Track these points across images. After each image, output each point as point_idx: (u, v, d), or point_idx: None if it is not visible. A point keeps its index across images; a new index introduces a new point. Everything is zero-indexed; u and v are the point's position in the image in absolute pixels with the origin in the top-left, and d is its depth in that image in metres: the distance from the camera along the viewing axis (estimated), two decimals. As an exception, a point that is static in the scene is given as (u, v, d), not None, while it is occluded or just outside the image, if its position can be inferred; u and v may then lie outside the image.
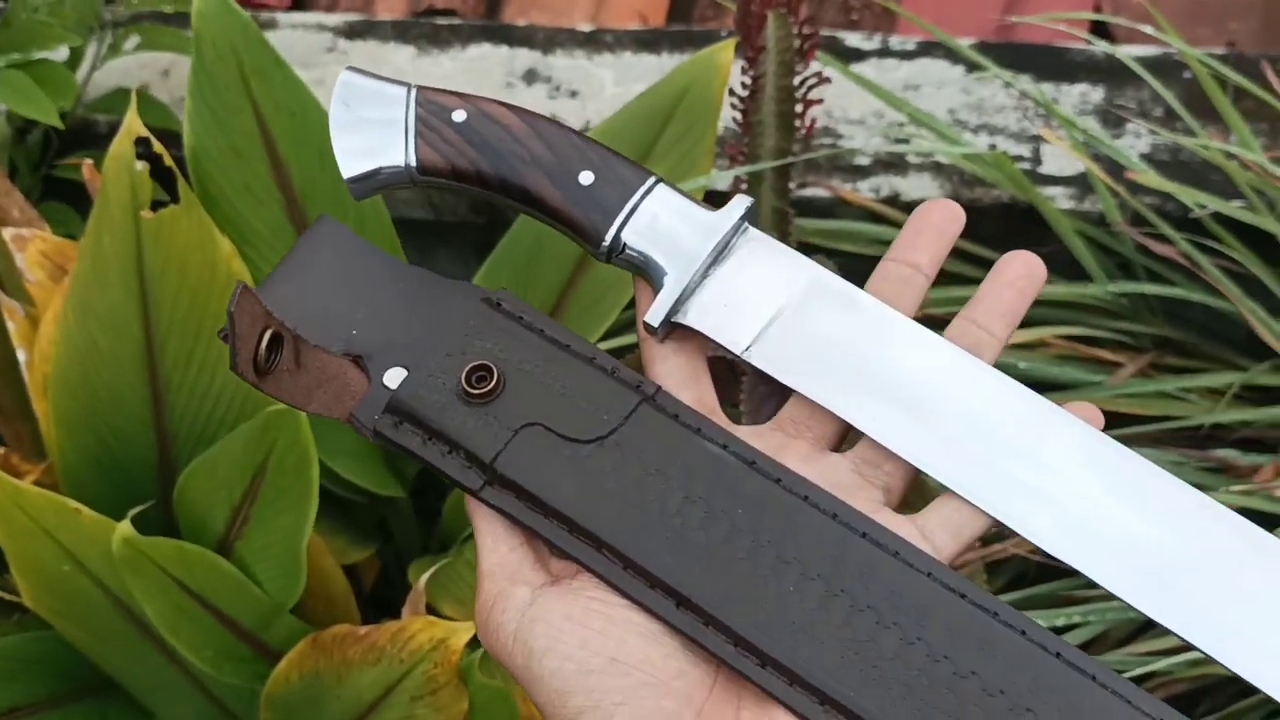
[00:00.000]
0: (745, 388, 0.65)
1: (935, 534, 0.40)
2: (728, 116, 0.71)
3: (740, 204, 0.42)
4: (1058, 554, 0.39)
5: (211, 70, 0.69)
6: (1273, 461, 0.77)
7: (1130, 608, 0.39)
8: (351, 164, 0.43)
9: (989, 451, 0.40)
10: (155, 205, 0.68)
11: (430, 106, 0.42)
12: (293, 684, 0.70)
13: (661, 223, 0.42)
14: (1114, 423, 0.41)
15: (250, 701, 0.73)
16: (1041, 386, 0.46)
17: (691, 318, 0.42)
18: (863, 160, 0.89)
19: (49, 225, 0.78)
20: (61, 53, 0.89)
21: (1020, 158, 0.88)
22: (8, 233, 0.73)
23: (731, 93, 0.64)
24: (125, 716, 0.76)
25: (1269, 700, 0.78)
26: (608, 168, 0.42)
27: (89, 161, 0.71)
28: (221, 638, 0.71)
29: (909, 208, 0.87)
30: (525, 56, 0.97)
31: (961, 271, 0.87)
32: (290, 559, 0.69)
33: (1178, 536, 0.40)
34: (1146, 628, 0.78)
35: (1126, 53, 0.90)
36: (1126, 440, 0.44)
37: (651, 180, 0.42)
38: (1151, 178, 0.77)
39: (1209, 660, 0.39)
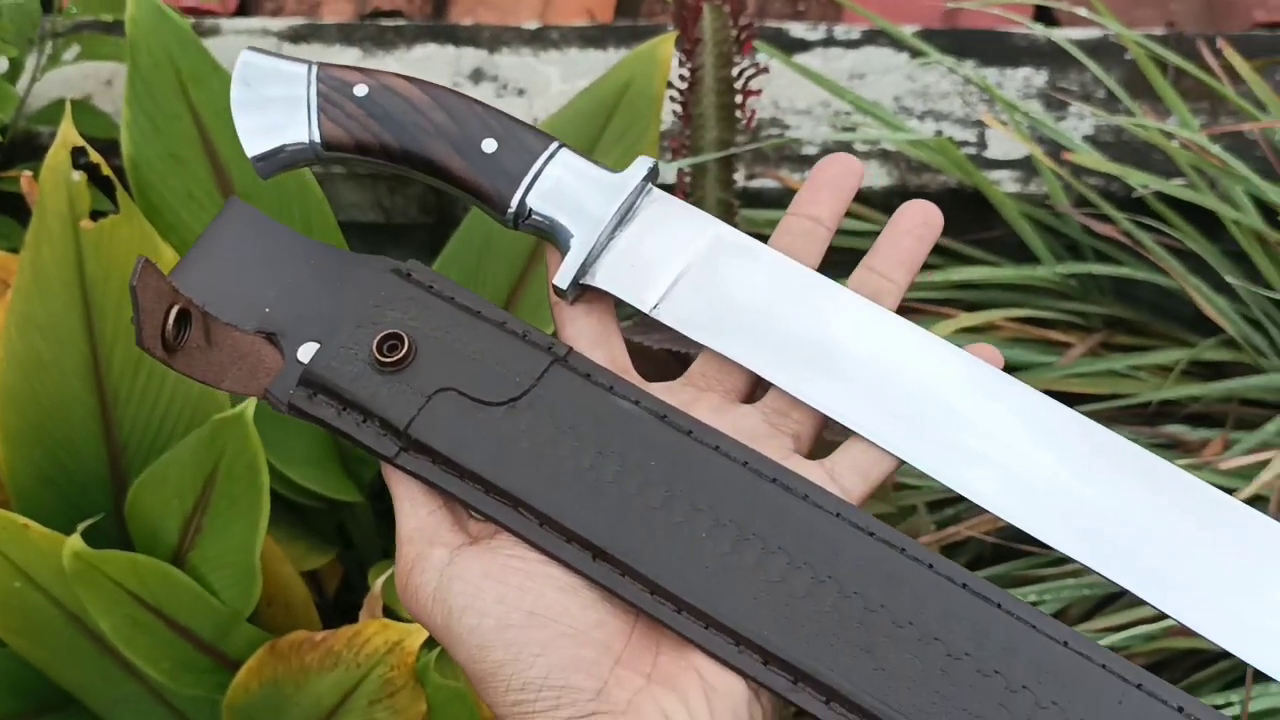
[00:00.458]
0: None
1: (844, 476, 0.41)
2: (672, 110, 0.72)
3: (643, 164, 0.43)
4: (960, 489, 0.40)
5: (148, 78, 0.69)
6: (1220, 436, 0.78)
7: (1052, 548, 0.39)
8: (255, 142, 0.43)
9: (893, 394, 0.41)
10: (96, 215, 0.67)
11: (331, 82, 0.43)
12: (253, 693, 0.70)
13: (565, 186, 0.42)
14: (1065, 402, 0.42)
15: (211, 712, 0.73)
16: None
17: (600, 279, 0.43)
18: (810, 150, 0.90)
19: (-9, 239, 0.78)
20: (0, 64, 0.88)
21: (966, 143, 0.89)
22: (-52, 248, 0.72)
23: (671, 86, 0.65)
24: (85, 732, 0.75)
25: (1226, 672, 0.79)
26: (510, 135, 0.42)
27: (27, 173, 0.71)
28: (179, 649, 0.71)
29: (857, 197, 0.87)
30: (471, 56, 0.97)
31: (911, 257, 0.87)
32: (245, 567, 0.68)
33: (1066, 450, 0.41)
34: (1105, 603, 0.79)
35: (1067, 36, 0.91)
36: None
37: (554, 145, 0.43)
38: (1089, 158, 0.78)
39: (1147, 605, 0.39)
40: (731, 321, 0.42)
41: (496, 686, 0.38)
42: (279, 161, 0.43)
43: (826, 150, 0.89)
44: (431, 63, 0.97)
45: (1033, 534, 0.40)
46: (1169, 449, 0.81)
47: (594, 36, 0.97)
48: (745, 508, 0.39)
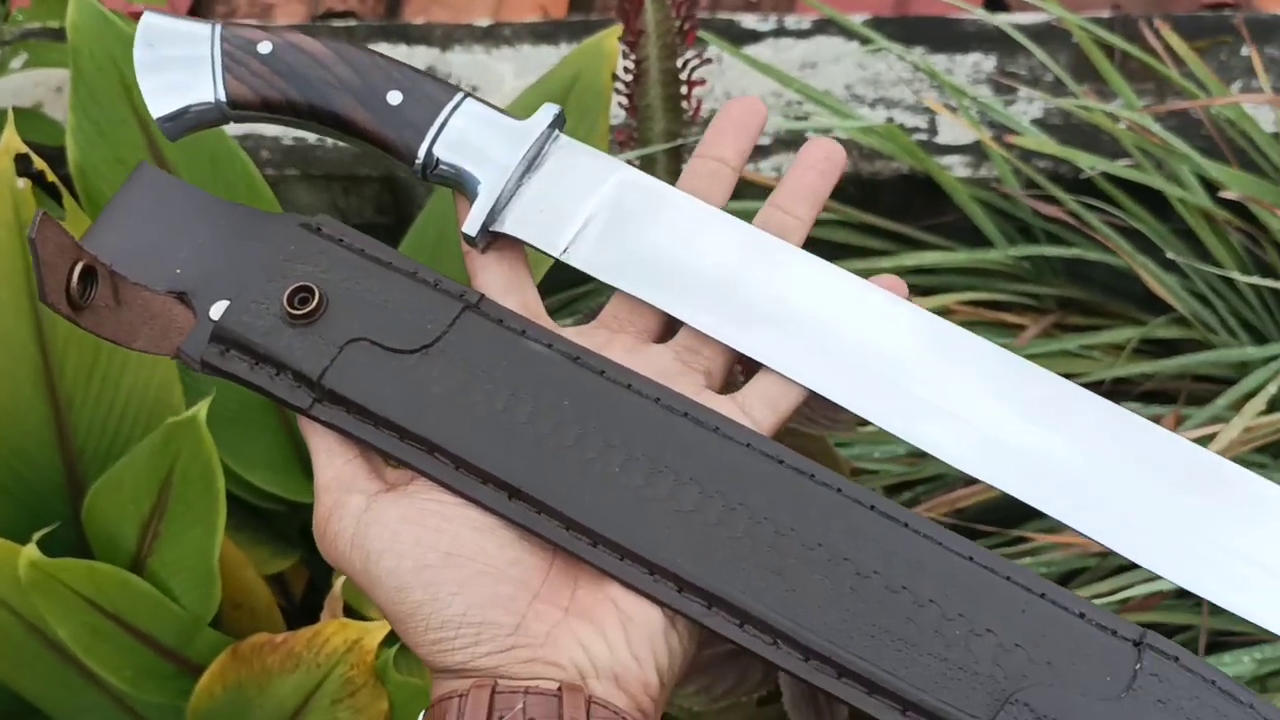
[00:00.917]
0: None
1: (754, 408, 0.42)
2: (618, 103, 0.72)
3: (548, 111, 0.43)
4: (866, 415, 0.41)
5: (91, 83, 0.68)
6: (1173, 411, 0.79)
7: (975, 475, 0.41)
8: (160, 103, 0.43)
9: (798, 326, 0.42)
10: (43, 223, 0.67)
11: (235, 40, 0.43)
12: (217, 697, 0.70)
13: (472, 135, 0.43)
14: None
15: (176, 718, 0.72)
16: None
17: (509, 225, 0.43)
18: (763, 140, 0.90)
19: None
20: (-54, 74, 0.87)
21: (917, 129, 0.89)
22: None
23: (616, 78, 0.65)
24: (49, 742, 0.75)
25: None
26: (415, 86, 0.43)
27: (-28, 182, 0.70)
28: (141, 656, 0.70)
29: (811, 184, 0.88)
30: (424, 54, 0.97)
31: (866, 245, 0.88)
32: (204, 572, 0.68)
33: (969, 370, 0.42)
34: (1064, 581, 0.80)
35: (1014, 21, 0.92)
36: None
37: (459, 95, 0.43)
38: (1034, 141, 0.78)
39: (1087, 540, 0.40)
40: (641, 263, 0.43)
41: (416, 626, 0.39)
42: (186, 122, 0.43)
43: (779, 140, 0.90)
44: (384, 62, 0.97)
45: (940, 455, 0.41)
46: (1123, 427, 0.81)
47: (546, 32, 0.97)
48: (657, 442, 0.40)
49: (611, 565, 0.39)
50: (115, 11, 0.71)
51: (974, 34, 0.94)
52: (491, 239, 0.44)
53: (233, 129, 0.93)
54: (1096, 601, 0.73)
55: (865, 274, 0.45)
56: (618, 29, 0.68)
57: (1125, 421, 0.42)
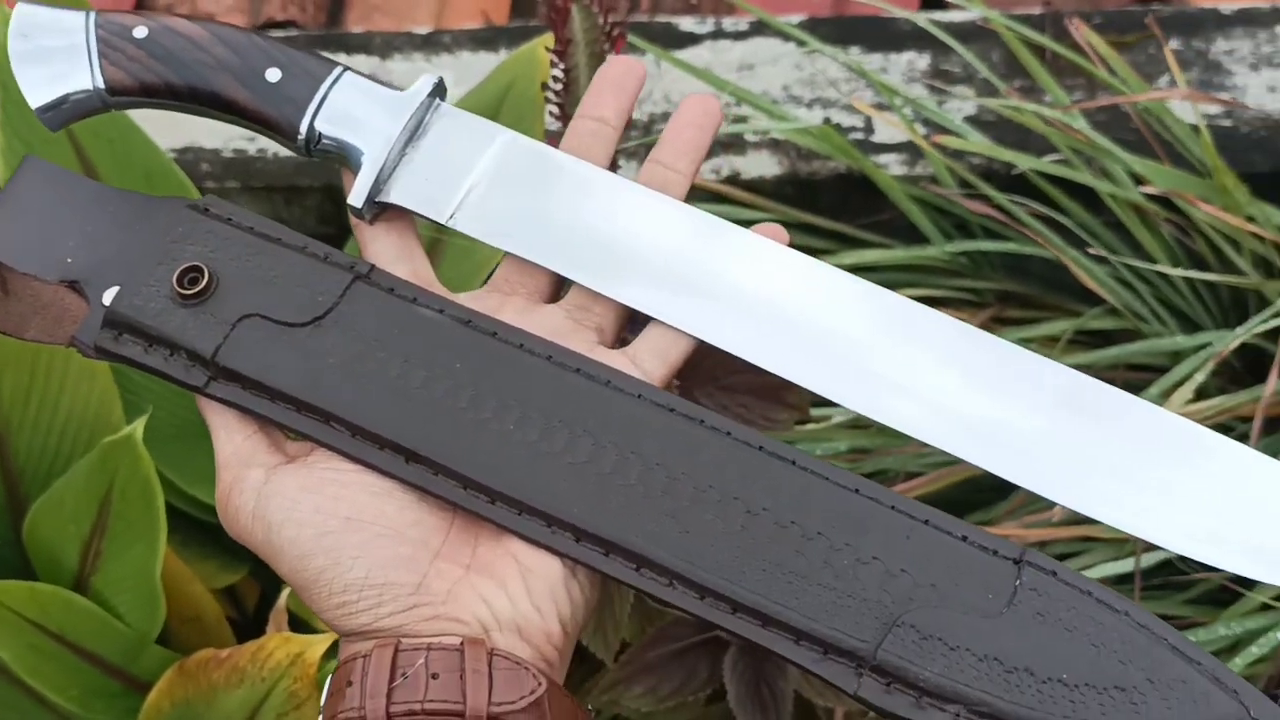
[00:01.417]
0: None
1: (644, 361, 0.44)
2: (549, 111, 0.72)
3: (427, 81, 0.44)
4: (754, 360, 0.43)
5: (20, 101, 0.68)
6: (1108, 402, 0.80)
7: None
8: (37, 93, 0.44)
9: (683, 276, 0.44)
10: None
11: (111, 27, 0.43)
12: (165, 714, 0.69)
13: (352, 108, 0.44)
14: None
15: (125, 736, 0.72)
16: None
17: (395, 195, 0.44)
18: (702, 142, 0.91)
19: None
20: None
21: (853, 128, 0.90)
22: None
23: (545, 87, 0.65)
24: (-3, 764, 0.74)
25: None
26: (293, 63, 0.44)
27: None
28: (87, 676, 0.70)
29: (750, 186, 0.89)
30: (363, 63, 0.97)
31: (806, 244, 0.89)
32: (147, 589, 0.68)
33: (842, 308, 0.44)
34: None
35: (948, 19, 0.93)
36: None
37: (338, 69, 0.44)
38: (960, 140, 0.79)
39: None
40: (528, 225, 0.44)
41: (320, 592, 0.40)
42: (66, 112, 0.44)
43: (719, 142, 0.90)
44: (324, 72, 0.97)
45: (825, 393, 0.43)
46: (1060, 418, 0.83)
47: (486, 39, 0.97)
48: (551, 399, 0.41)
49: (510, 520, 0.40)
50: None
51: (909, 33, 0.95)
52: (379, 210, 0.44)
53: (171, 142, 0.92)
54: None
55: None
56: (548, 38, 0.68)
57: (1031, 363, 0.43)
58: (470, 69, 0.96)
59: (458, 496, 0.40)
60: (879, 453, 0.80)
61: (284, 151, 0.90)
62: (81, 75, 0.43)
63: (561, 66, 0.64)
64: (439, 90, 0.45)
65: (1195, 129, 0.79)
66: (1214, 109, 0.88)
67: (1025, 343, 0.86)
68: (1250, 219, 0.78)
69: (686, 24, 0.97)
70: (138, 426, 0.64)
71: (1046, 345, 0.85)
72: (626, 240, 0.44)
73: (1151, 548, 0.71)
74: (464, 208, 0.44)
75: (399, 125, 0.43)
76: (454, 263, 0.74)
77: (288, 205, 0.93)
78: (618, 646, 0.68)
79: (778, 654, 0.38)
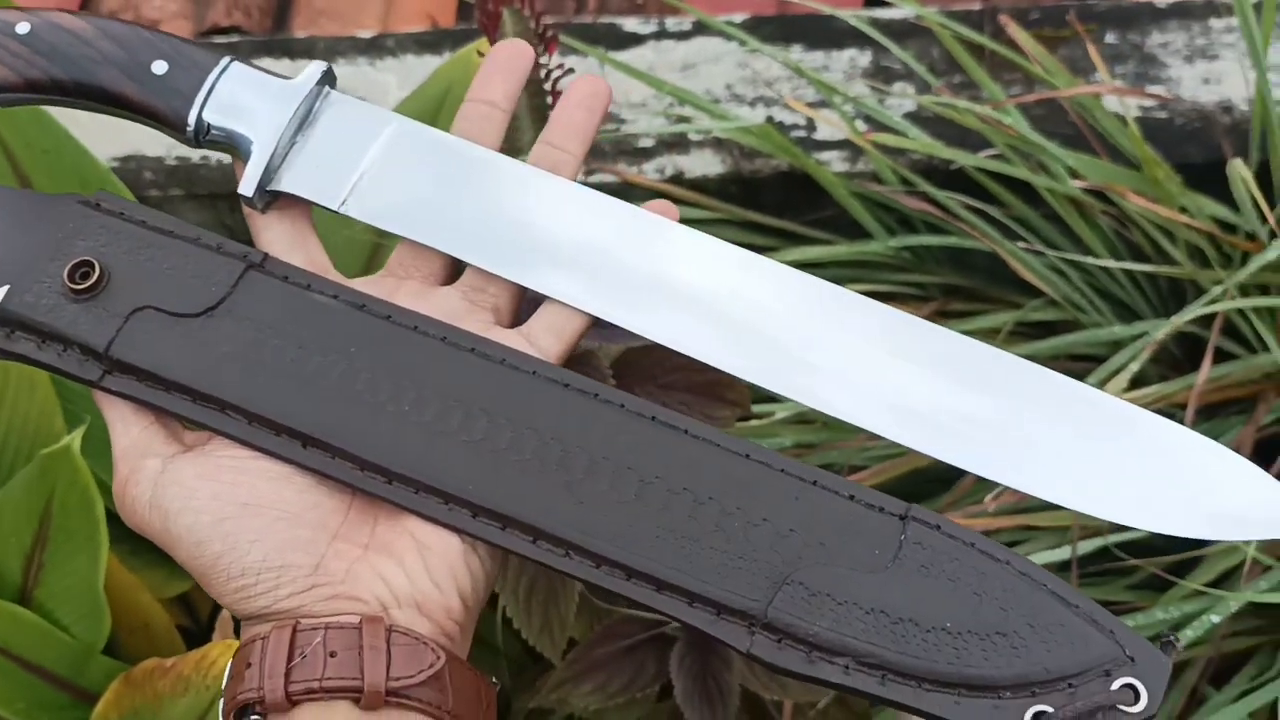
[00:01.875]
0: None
1: (540, 338, 0.44)
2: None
3: (315, 68, 0.45)
4: (649, 336, 0.44)
5: (-50, 113, 0.68)
6: (1048, 392, 0.81)
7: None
8: None
9: (575, 255, 0.44)
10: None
11: None
12: (113, 724, 0.69)
13: (241, 98, 0.44)
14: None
15: (73, 748, 0.72)
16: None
17: (286, 184, 0.44)
18: (646, 142, 0.91)
19: None
20: None
21: (796, 126, 0.91)
22: None
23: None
24: (-56, 780, 0.74)
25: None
26: (180, 54, 0.44)
27: None
28: (33, 688, 0.70)
29: (693, 185, 0.90)
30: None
31: (750, 241, 0.89)
32: (91, 599, 0.68)
33: (734, 279, 0.44)
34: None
35: (883, 16, 0.94)
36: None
37: (226, 60, 0.44)
38: (891, 138, 0.80)
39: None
40: (421, 209, 0.45)
41: (218, 577, 0.40)
42: None
43: (662, 142, 0.91)
44: (268, 77, 0.97)
45: (731, 371, 0.43)
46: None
47: (430, 42, 0.98)
48: (446, 379, 0.42)
49: (407, 499, 0.41)
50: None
51: (850, 31, 0.96)
52: (271, 198, 0.45)
53: (113, 150, 0.92)
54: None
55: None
56: (482, 43, 0.69)
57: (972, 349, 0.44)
58: (415, 72, 0.96)
59: (355, 478, 0.41)
60: (824, 447, 0.81)
61: (227, 159, 0.89)
62: None
63: (495, 70, 0.65)
64: (328, 78, 0.45)
65: (1123, 121, 0.80)
66: (1150, 102, 0.89)
67: (967, 335, 0.87)
68: (1183, 210, 0.80)
69: (630, 24, 0.97)
70: (75, 437, 0.64)
71: (988, 337, 0.86)
72: (518, 221, 0.45)
73: (1087, 535, 0.72)
74: (356, 194, 0.44)
75: (288, 114, 0.44)
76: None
77: (232, 212, 0.92)
78: (565, 645, 0.68)
79: (672, 616, 0.39)
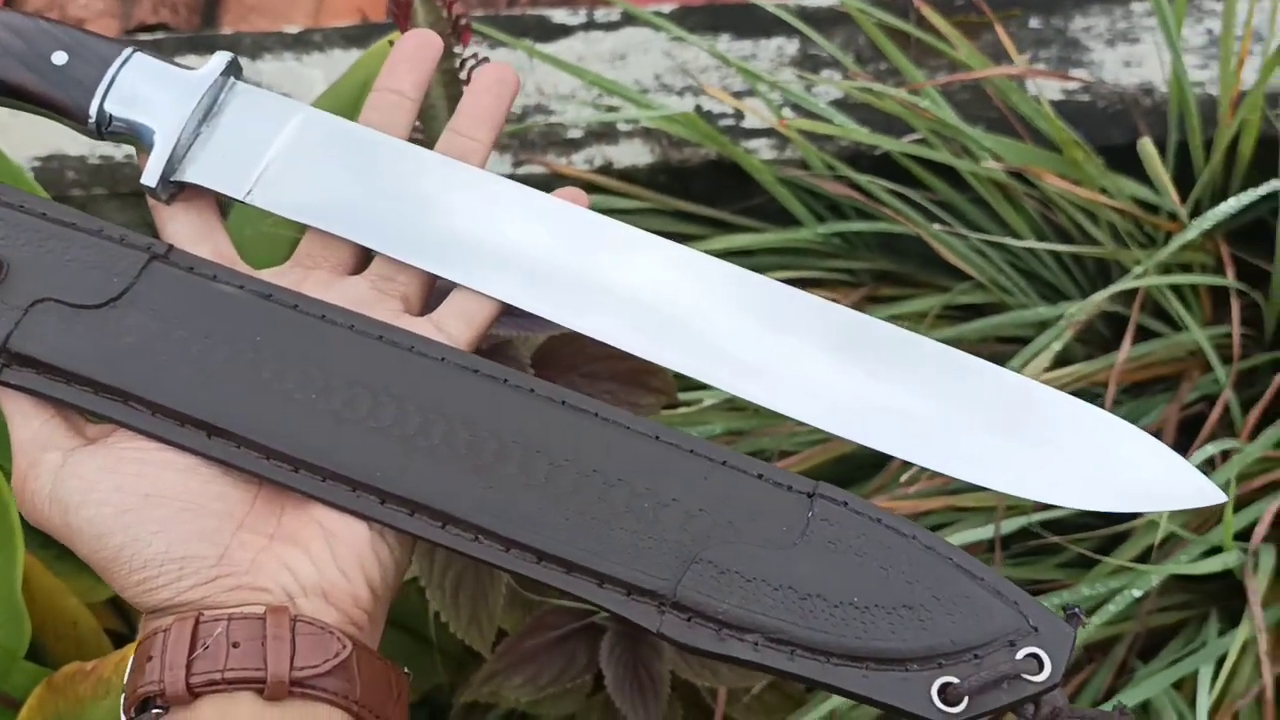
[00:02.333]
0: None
1: (449, 325, 0.44)
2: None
3: (220, 59, 0.45)
4: (564, 322, 0.44)
5: None
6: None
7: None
8: None
9: (484, 242, 0.44)
10: None
11: None
12: (37, 730, 0.68)
13: (143, 89, 0.44)
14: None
15: (-1, 755, 0.71)
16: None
17: (191, 174, 0.44)
18: (575, 133, 0.91)
19: None
20: None
21: (725, 115, 0.91)
22: None
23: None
24: None
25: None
26: (80, 45, 0.44)
27: None
28: (-46, 695, 0.69)
29: (623, 175, 0.89)
30: (233, 64, 0.96)
31: (681, 230, 0.90)
32: (10, 605, 0.67)
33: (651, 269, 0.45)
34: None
35: (810, 4, 0.94)
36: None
37: (128, 50, 0.44)
38: (806, 123, 0.81)
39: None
40: (328, 198, 0.45)
41: (120, 570, 0.40)
42: None
43: (591, 133, 0.91)
44: (193, 74, 0.96)
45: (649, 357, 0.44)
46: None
47: (357, 36, 0.97)
48: (354, 367, 0.42)
49: (314, 488, 0.41)
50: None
51: (777, 19, 0.96)
52: (176, 189, 0.44)
53: (33, 150, 0.91)
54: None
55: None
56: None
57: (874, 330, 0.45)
58: (341, 67, 0.95)
59: (261, 467, 0.41)
60: (754, 434, 0.81)
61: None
62: None
63: (408, 61, 0.64)
64: (233, 69, 0.45)
65: (1037, 102, 0.81)
66: (1074, 85, 0.90)
67: (895, 319, 0.87)
68: (1103, 191, 0.81)
69: (559, 16, 0.97)
70: (-14, 440, 0.63)
71: (916, 321, 0.86)
72: (428, 209, 0.45)
73: (1012, 515, 0.73)
74: (261, 184, 0.44)
75: (191, 104, 0.44)
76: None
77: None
78: (494, 638, 0.68)
79: (582, 598, 0.39)
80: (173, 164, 0.44)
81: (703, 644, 0.39)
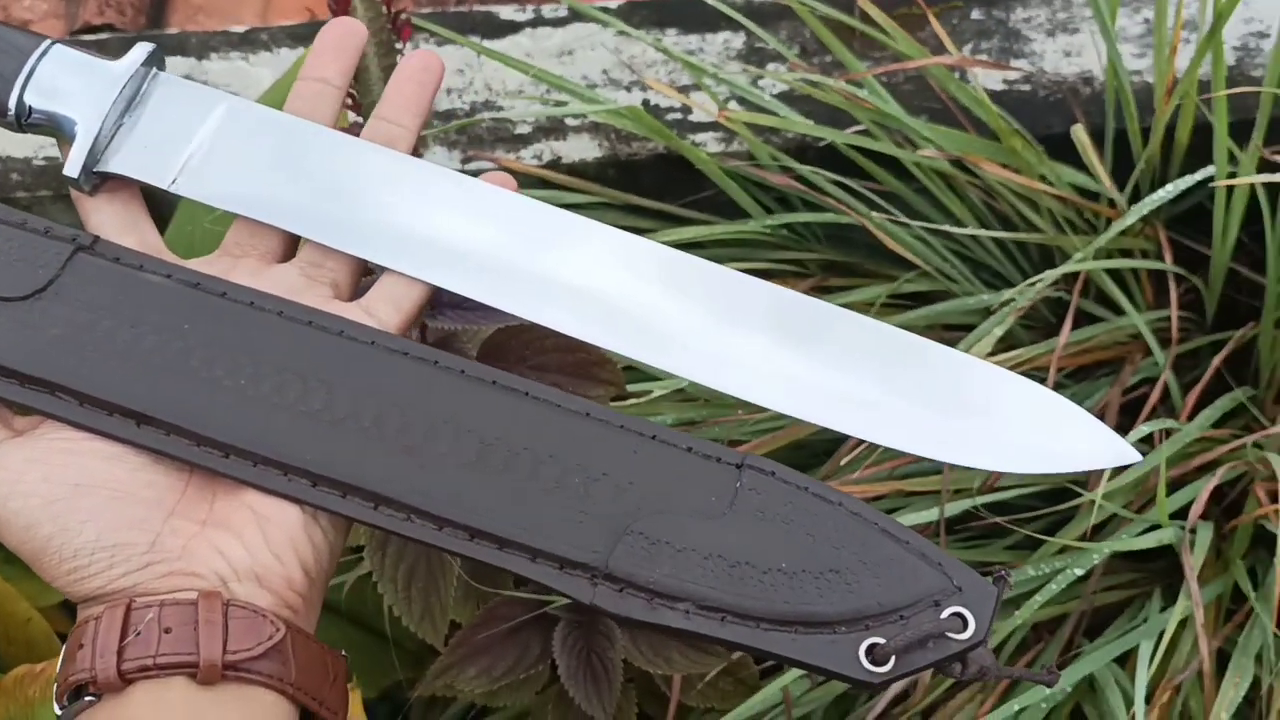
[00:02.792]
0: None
1: (378, 309, 0.45)
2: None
3: (141, 49, 0.45)
4: (480, 297, 0.45)
5: None
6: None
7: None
8: None
9: (413, 227, 0.45)
10: None
11: None
12: (-12, 734, 0.68)
13: (63, 80, 0.44)
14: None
15: (-51, 761, 0.70)
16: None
17: (115, 165, 0.45)
18: (523, 129, 0.91)
19: None
20: None
21: (672, 109, 0.92)
22: None
23: (335, 78, 0.65)
24: None
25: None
26: None
27: None
28: (-97, 701, 0.68)
29: (571, 170, 0.90)
30: (180, 64, 0.95)
31: (631, 224, 0.90)
32: (-43, 609, 0.67)
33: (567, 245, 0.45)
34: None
35: (759, -2, 0.95)
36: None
37: (47, 42, 0.44)
38: (745, 115, 0.82)
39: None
40: (254, 186, 0.45)
41: (50, 560, 0.40)
42: None
43: (539, 128, 0.91)
44: (139, 75, 0.95)
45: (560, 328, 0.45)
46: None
47: (304, 34, 0.97)
48: (283, 352, 0.42)
49: (245, 473, 0.41)
50: None
51: (722, 12, 0.97)
52: (101, 180, 0.44)
53: (-23, 153, 0.90)
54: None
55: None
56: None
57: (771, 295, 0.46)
58: (288, 65, 0.95)
59: (191, 454, 0.41)
60: (706, 423, 0.82)
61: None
62: None
63: (349, 57, 0.65)
64: (155, 59, 0.46)
65: (971, 91, 0.82)
66: (1014, 75, 0.91)
67: (843, 308, 0.88)
68: (1043, 178, 0.82)
69: (506, 12, 0.97)
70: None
71: (863, 310, 0.87)
72: (355, 195, 0.45)
73: (956, 498, 0.74)
74: (186, 173, 0.45)
75: (112, 94, 0.44)
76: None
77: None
78: (447, 630, 0.68)
79: (516, 572, 0.40)
80: (95, 155, 0.44)
81: (635, 613, 0.40)
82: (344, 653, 0.41)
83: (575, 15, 0.96)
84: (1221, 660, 0.71)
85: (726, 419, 0.82)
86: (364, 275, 0.48)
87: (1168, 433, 0.75)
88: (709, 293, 0.46)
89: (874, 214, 0.82)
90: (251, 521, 0.41)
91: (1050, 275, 0.76)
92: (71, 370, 0.41)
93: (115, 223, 0.45)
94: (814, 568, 0.40)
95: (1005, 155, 0.81)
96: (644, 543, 0.40)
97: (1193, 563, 0.66)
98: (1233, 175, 0.79)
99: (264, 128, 0.45)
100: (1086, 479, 0.77)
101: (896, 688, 0.72)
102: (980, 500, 0.72)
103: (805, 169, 0.84)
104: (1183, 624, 0.70)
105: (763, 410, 0.81)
